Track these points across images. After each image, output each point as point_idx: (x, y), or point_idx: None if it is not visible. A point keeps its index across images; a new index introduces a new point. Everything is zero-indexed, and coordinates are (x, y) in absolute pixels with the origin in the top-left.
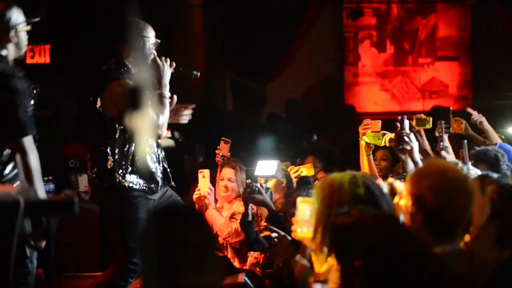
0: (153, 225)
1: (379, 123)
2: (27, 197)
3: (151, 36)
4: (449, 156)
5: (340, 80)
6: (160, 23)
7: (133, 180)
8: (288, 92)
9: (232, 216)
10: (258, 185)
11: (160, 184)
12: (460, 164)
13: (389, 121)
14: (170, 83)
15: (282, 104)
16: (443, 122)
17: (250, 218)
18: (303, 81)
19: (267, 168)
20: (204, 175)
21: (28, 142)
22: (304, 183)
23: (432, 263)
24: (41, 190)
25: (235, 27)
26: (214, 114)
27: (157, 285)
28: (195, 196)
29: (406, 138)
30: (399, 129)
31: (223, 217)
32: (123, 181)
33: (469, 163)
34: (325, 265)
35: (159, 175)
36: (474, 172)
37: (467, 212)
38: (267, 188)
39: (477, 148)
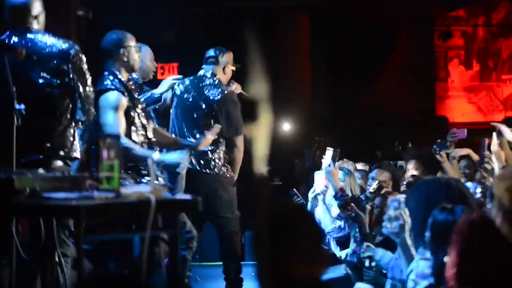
0: (267, 221)
1: (465, 131)
2: (158, 196)
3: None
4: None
5: (432, 94)
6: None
7: None
8: (381, 103)
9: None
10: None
11: None
12: None
13: (475, 131)
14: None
15: (376, 113)
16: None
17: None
18: (396, 94)
19: None
20: (320, 175)
21: None
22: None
23: None
24: None
25: (332, 42)
26: (320, 122)
27: (269, 275)
28: (311, 194)
29: (487, 160)
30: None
31: (329, 215)
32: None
33: None
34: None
35: None
36: None
37: None
38: None
39: None
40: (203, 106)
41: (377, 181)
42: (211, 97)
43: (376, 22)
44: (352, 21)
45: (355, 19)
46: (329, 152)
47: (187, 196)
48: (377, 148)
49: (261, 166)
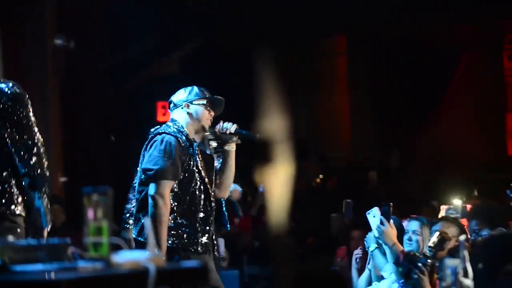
0: None
1: None
2: (158, 264)
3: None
4: None
5: (503, 128)
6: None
7: None
8: (441, 145)
9: None
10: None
11: None
12: None
13: None
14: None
15: (434, 158)
16: None
17: None
18: (458, 132)
19: None
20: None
21: None
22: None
23: None
24: None
25: (382, 73)
26: (359, 169)
27: None
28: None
29: None
30: None
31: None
32: None
33: None
34: None
35: None
36: None
37: None
38: None
39: None
40: None
41: (438, 233)
42: None
43: (431, 44)
44: (401, 44)
45: (404, 42)
46: (376, 209)
47: (194, 263)
48: (435, 198)
49: (279, 221)
